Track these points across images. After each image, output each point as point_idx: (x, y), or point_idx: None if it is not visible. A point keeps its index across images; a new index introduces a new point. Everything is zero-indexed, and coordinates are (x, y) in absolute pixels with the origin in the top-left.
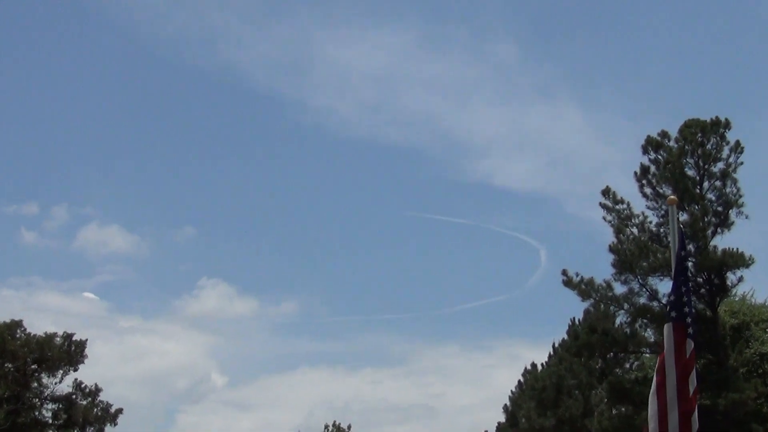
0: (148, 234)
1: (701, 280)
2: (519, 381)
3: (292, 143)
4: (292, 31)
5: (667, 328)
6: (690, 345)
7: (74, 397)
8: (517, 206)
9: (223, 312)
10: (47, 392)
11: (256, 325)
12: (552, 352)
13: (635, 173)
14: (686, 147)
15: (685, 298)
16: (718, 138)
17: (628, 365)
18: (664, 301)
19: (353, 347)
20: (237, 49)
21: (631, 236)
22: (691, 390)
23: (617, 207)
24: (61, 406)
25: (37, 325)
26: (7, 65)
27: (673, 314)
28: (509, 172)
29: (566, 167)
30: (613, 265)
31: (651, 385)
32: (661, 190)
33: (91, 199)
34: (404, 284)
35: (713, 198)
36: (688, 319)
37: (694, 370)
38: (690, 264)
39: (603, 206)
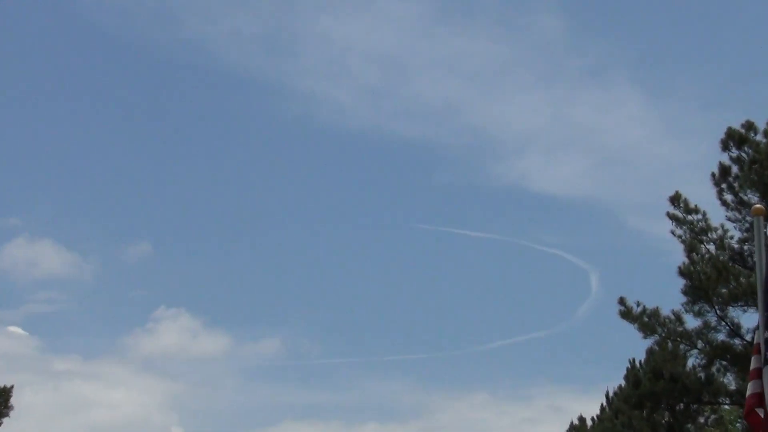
0: (90, 252)
1: None
2: None
3: (274, 138)
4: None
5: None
6: None
7: None
8: (560, 217)
9: (185, 351)
10: None
11: (227, 367)
12: (605, 403)
13: (712, 175)
14: None
15: None
16: None
17: (702, 420)
18: (748, 337)
19: (352, 397)
20: (204, 21)
21: (707, 255)
22: None
23: (689, 218)
24: None
25: None
26: None
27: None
28: (550, 174)
29: (623, 168)
30: (684, 293)
31: None
32: (745, 197)
33: (17, 208)
34: (417, 316)
35: None
36: None
37: None
38: None
39: (671, 217)
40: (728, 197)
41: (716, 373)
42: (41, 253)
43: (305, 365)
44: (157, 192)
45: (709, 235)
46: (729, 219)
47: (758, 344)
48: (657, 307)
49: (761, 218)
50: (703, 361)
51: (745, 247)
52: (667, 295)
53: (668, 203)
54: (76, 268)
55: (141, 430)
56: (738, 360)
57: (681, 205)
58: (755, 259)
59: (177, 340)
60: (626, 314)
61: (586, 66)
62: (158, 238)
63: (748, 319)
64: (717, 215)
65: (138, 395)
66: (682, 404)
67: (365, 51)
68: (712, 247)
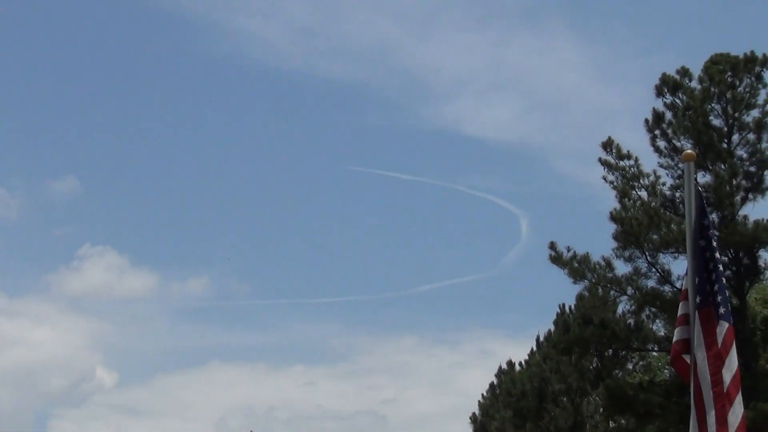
0: (15, 187)
1: (726, 259)
2: (491, 384)
3: (204, 75)
4: None
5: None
6: (723, 327)
7: None
8: (492, 162)
9: (111, 290)
10: None
11: (154, 307)
12: (534, 349)
13: (646, 121)
14: (712, 89)
15: (714, 276)
16: (753, 79)
17: (630, 366)
18: (678, 284)
19: (280, 338)
20: None
21: (639, 201)
22: (727, 381)
23: (621, 164)
24: None
25: None
26: None
27: (698, 300)
28: (483, 118)
29: (556, 113)
30: (615, 238)
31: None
32: (678, 144)
33: None
34: (347, 259)
35: (744, 155)
36: (719, 298)
37: (734, 349)
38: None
39: (603, 163)
40: (661, 144)
41: (645, 320)
42: None
43: (233, 306)
44: (85, 127)
45: (641, 181)
46: (661, 166)
47: (686, 290)
48: (587, 253)
49: (692, 164)
50: (633, 307)
51: (677, 194)
52: (598, 242)
53: (600, 149)
54: (1, 203)
55: (65, 370)
56: (668, 307)
57: (613, 150)
58: (685, 205)
59: (103, 278)
60: (556, 259)
61: (521, 9)
62: (85, 174)
63: (679, 265)
64: (650, 162)
65: (63, 334)
66: (610, 350)
67: None
68: (644, 194)
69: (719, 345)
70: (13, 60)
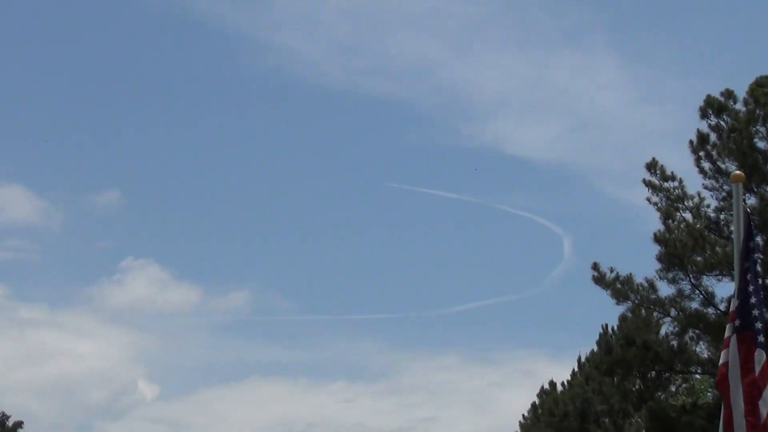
0: (60, 199)
1: None
2: (533, 404)
3: (245, 91)
4: None
5: (732, 341)
6: (761, 356)
7: None
8: (534, 181)
9: (153, 303)
10: None
11: (195, 321)
12: (576, 369)
13: (690, 143)
14: (757, 111)
15: (754, 300)
16: None
17: (673, 388)
18: (722, 306)
19: (320, 355)
20: None
21: (683, 223)
22: (764, 414)
23: (666, 185)
24: None
25: None
26: None
27: (738, 323)
28: (524, 137)
29: (599, 133)
30: (659, 260)
31: (699, 413)
32: (723, 166)
33: None
34: (388, 276)
35: None
36: (758, 325)
37: None
38: (757, 261)
39: (647, 184)
40: (706, 165)
41: (689, 342)
42: (9, 199)
43: (274, 321)
44: (129, 140)
45: (685, 203)
46: (706, 187)
47: (734, 312)
48: (630, 274)
49: (740, 185)
50: (676, 329)
51: (722, 216)
52: (641, 263)
53: (644, 170)
54: (45, 215)
55: (107, 383)
56: (711, 329)
57: (657, 172)
58: (733, 225)
59: (145, 291)
60: (599, 280)
61: (564, 28)
62: (128, 187)
63: (722, 288)
64: (694, 183)
65: (104, 347)
66: (653, 372)
67: (339, 5)
68: (688, 215)
69: (756, 374)
70: (56, 74)
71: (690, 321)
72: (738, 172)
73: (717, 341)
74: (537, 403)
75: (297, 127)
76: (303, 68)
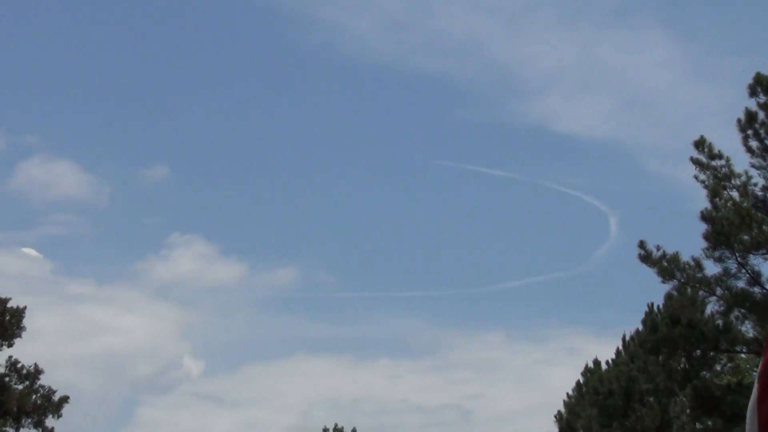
0: (108, 174)
1: None
2: (578, 382)
3: (295, 67)
4: None
5: None
6: None
7: (7, 379)
8: (581, 159)
9: (200, 279)
10: None
11: (242, 297)
12: (621, 347)
13: (738, 121)
14: None
15: None
16: None
17: (718, 367)
18: None
19: (366, 331)
20: None
21: (730, 201)
22: None
23: (713, 163)
24: None
25: None
26: None
27: None
28: (573, 115)
29: (647, 111)
30: (705, 238)
31: (750, 396)
32: None
33: (34, 125)
34: (434, 253)
35: None
36: None
37: None
38: None
39: (694, 162)
40: (753, 144)
41: (734, 321)
42: (57, 174)
43: (320, 297)
44: (177, 116)
45: (732, 181)
46: (753, 166)
47: None
48: (677, 252)
49: None
50: (722, 308)
51: None
52: (688, 242)
53: (692, 148)
54: (93, 190)
55: (153, 358)
56: (757, 308)
57: (705, 150)
58: None
59: (192, 267)
60: (645, 258)
61: (613, 5)
62: (176, 162)
63: None
64: (741, 162)
65: (151, 322)
66: (698, 351)
67: None
68: (735, 194)
69: None
70: (104, 50)
71: (736, 300)
72: None
73: (763, 320)
74: (581, 381)
75: (345, 104)
76: (352, 45)
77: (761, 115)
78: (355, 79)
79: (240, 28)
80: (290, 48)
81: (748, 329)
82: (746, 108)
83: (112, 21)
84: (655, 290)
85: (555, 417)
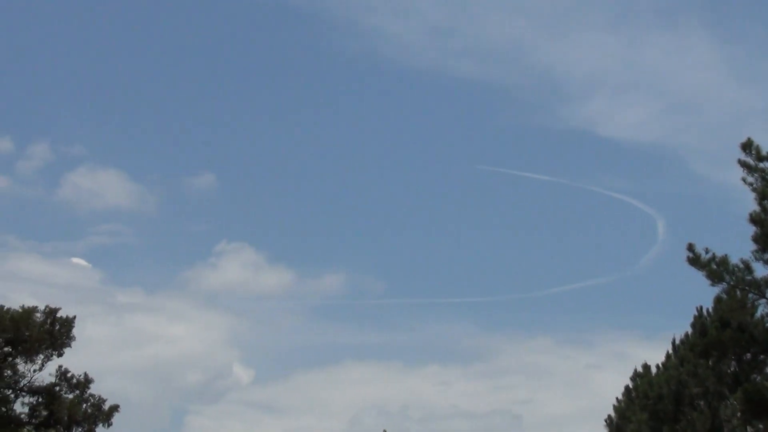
0: (155, 183)
1: None
2: (627, 386)
3: (338, 74)
4: None
5: None
6: None
7: (57, 389)
8: (627, 163)
9: (247, 286)
10: (23, 382)
11: (290, 304)
12: (671, 351)
13: None
14: None
15: None
16: None
17: None
18: None
19: (415, 338)
20: None
21: None
22: None
23: (761, 165)
24: (40, 399)
25: (12, 298)
26: None
27: None
28: (618, 118)
29: (692, 113)
30: (755, 240)
31: None
32: None
33: (81, 135)
34: (482, 259)
35: None
36: None
37: None
38: None
39: (742, 164)
40: None
41: None
42: (105, 183)
43: (368, 304)
44: (223, 124)
45: None
46: None
47: None
48: (726, 255)
49: None
50: None
51: None
52: (736, 244)
53: (740, 150)
54: (141, 199)
55: (202, 366)
56: None
57: (753, 152)
58: None
59: (239, 274)
60: (694, 261)
61: (656, 8)
62: (223, 171)
63: None
64: None
65: (200, 330)
66: (749, 354)
67: None
68: None
69: None
70: (150, 60)
71: None
72: None
73: None
74: (631, 385)
75: (389, 109)
76: (396, 50)
77: None
78: (399, 84)
79: (284, 36)
80: (333, 54)
81: None
82: None
83: (157, 33)
84: (705, 293)
85: (605, 421)
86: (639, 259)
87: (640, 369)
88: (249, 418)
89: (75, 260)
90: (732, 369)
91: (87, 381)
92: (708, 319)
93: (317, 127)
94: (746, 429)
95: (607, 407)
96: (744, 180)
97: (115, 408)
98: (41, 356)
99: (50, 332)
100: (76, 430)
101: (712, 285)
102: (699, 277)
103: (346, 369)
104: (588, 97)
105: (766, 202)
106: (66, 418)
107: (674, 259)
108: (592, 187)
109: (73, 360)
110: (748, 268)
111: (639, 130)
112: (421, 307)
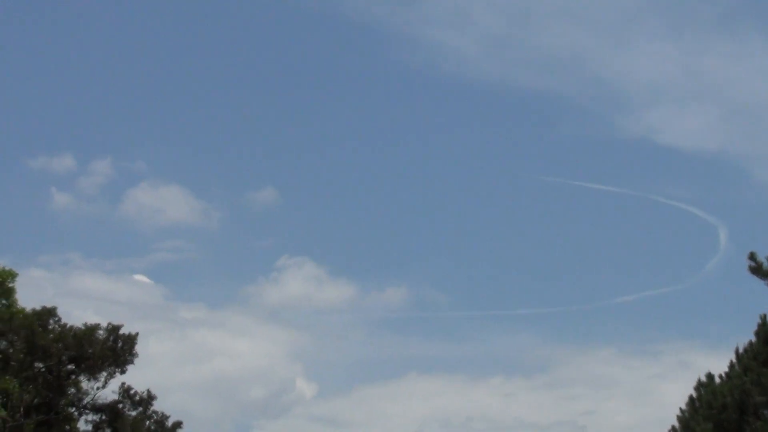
0: (217, 198)
1: None
2: (691, 396)
3: (398, 87)
4: None
5: None
6: None
7: (121, 405)
8: (689, 171)
9: (310, 301)
10: (87, 399)
11: (352, 318)
12: (735, 360)
13: None
14: None
15: None
16: None
17: None
18: None
19: (478, 350)
20: None
21: None
22: None
23: None
24: (104, 416)
25: (75, 315)
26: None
27: None
28: (679, 127)
29: (754, 122)
30: None
31: None
32: None
33: (142, 151)
34: (545, 270)
35: None
36: None
37: None
38: None
39: None
40: None
41: None
42: (167, 200)
43: (430, 317)
44: (284, 139)
45: None
46: None
47: None
48: None
49: None
50: None
51: None
52: None
53: None
54: (203, 215)
55: (265, 381)
56: None
57: None
58: None
59: (302, 289)
60: (757, 270)
61: (715, 16)
62: (284, 185)
63: None
64: None
65: (263, 345)
66: None
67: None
68: None
69: None
70: (211, 76)
71: None
72: None
73: None
74: (695, 395)
75: (449, 121)
76: (454, 63)
77: None
78: (458, 97)
79: (343, 51)
80: (393, 67)
81: None
82: None
83: (217, 51)
84: None
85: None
86: (701, 268)
87: (703, 378)
88: None
89: (137, 277)
90: None
91: (150, 398)
92: None
93: (378, 141)
94: None
95: (671, 417)
96: None
97: (178, 424)
98: (104, 373)
99: (113, 349)
100: None
101: None
102: (762, 286)
103: (409, 382)
104: (649, 105)
105: None
106: None
107: (736, 267)
108: (654, 197)
109: (136, 377)
110: None
111: (700, 138)
112: (485, 319)
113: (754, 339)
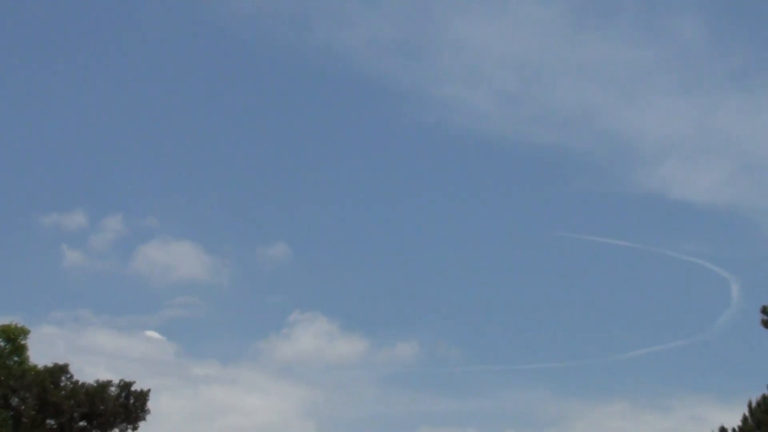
0: (228, 254)
1: None
2: None
3: (410, 143)
4: (406, 3)
5: None
6: None
7: None
8: (701, 226)
9: (322, 356)
10: None
11: (364, 373)
12: (748, 414)
13: None
14: None
15: None
16: None
17: None
18: None
19: (490, 404)
20: (338, 26)
21: None
22: None
23: None
24: None
25: (87, 371)
26: (57, 54)
27: None
28: (691, 181)
29: (765, 176)
30: None
31: None
32: None
33: (153, 207)
34: (555, 324)
35: None
36: None
37: None
38: None
39: None
40: None
41: None
42: (178, 256)
43: (442, 372)
44: (294, 195)
45: None
46: None
47: None
48: None
49: None
50: None
51: None
52: None
53: None
54: (214, 271)
55: None
56: None
57: None
58: None
59: (313, 344)
60: None
61: (729, 70)
62: (296, 241)
63: None
64: None
65: (275, 401)
66: None
67: (501, 56)
68: None
69: None
70: (221, 132)
71: None
72: None
73: None
74: None
75: (461, 177)
76: (467, 119)
77: None
78: (471, 153)
79: (356, 105)
80: (405, 123)
81: None
82: None
83: (228, 105)
84: None
85: None
86: (713, 321)
87: None
88: None
89: (149, 333)
90: None
91: None
92: None
93: (389, 196)
94: None
95: None
96: None
97: None
98: (116, 430)
99: (125, 406)
100: None
101: None
102: None
103: None
104: (661, 160)
105: None
106: None
107: (749, 321)
108: (666, 251)
109: None
110: None
111: (712, 193)
112: (497, 373)
113: (766, 392)
